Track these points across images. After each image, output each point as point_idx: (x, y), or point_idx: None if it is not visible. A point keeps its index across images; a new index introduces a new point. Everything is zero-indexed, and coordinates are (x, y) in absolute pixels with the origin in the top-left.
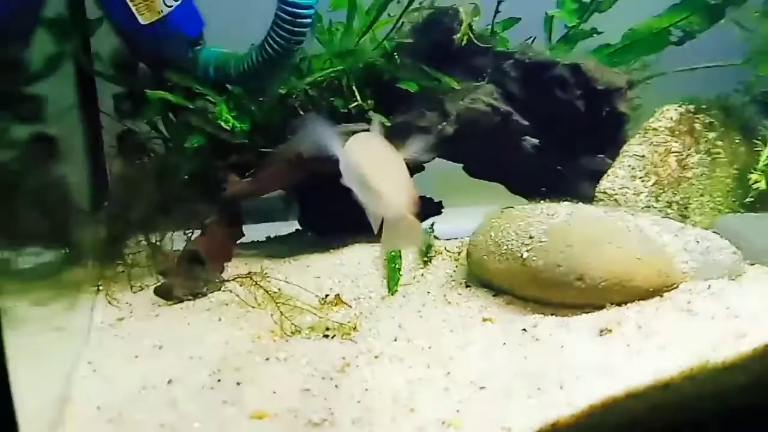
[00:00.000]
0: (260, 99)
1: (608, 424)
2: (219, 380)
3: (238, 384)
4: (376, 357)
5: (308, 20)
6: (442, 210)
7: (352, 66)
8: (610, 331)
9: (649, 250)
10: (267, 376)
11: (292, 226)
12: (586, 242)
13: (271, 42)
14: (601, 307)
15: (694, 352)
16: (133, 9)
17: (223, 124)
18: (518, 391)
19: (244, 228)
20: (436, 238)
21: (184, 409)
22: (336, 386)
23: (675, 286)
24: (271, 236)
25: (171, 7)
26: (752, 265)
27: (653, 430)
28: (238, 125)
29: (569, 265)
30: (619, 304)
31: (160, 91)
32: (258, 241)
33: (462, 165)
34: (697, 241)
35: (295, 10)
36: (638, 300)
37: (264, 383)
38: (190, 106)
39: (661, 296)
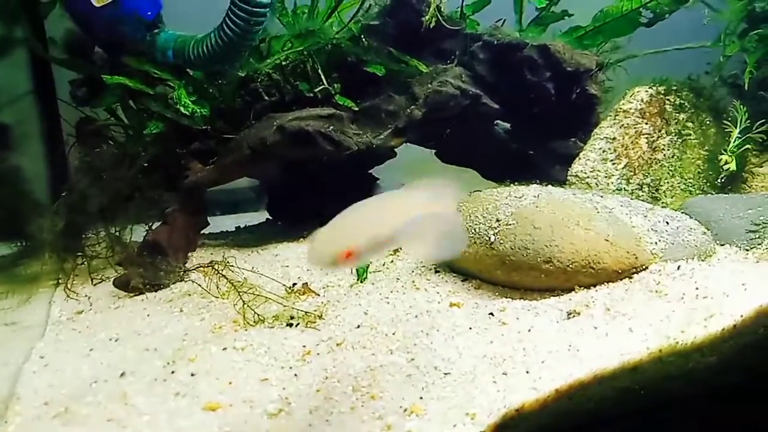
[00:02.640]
0: (220, 82)
1: (575, 408)
2: (173, 372)
3: (193, 375)
4: (338, 344)
5: (267, 1)
6: None
7: (313, 46)
8: (578, 313)
9: (617, 232)
10: (224, 366)
11: (263, 216)
12: (553, 224)
13: (230, 24)
14: (569, 290)
15: (664, 333)
16: None
17: (182, 109)
18: (483, 376)
19: (213, 219)
20: None
21: (134, 403)
22: (295, 375)
23: (644, 267)
24: (241, 226)
25: None
26: (722, 245)
27: (622, 414)
28: (198, 110)
29: (537, 248)
30: (587, 287)
31: (118, 76)
32: (226, 231)
33: (434, 151)
34: (667, 222)
35: None
36: (607, 282)
37: (220, 374)
38: (149, 92)
39: (631, 278)
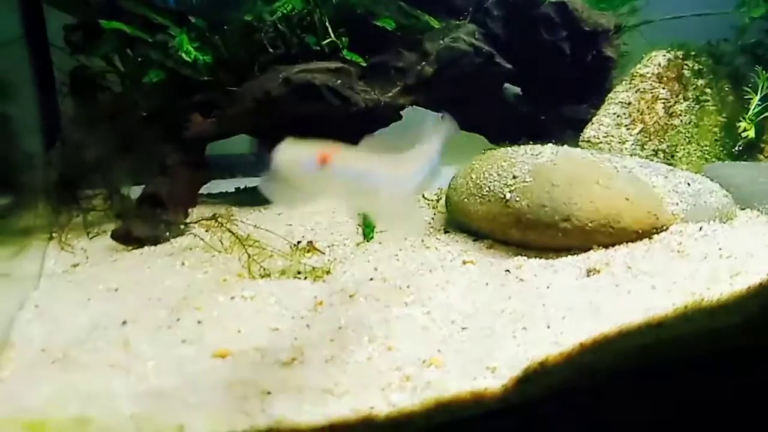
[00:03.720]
0: (224, 28)
1: (598, 364)
2: (178, 319)
3: (199, 323)
4: (351, 296)
5: None
6: None
7: None
8: (599, 271)
9: (637, 191)
10: (231, 315)
11: None
12: (572, 182)
13: None
14: (586, 250)
15: (688, 290)
16: None
17: (184, 56)
18: (502, 330)
19: (213, 183)
20: None
21: (138, 350)
22: (307, 326)
23: (665, 228)
24: (241, 188)
25: None
26: (743, 210)
27: (645, 370)
28: (201, 57)
29: (555, 206)
30: (606, 247)
31: (115, 21)
32: (226, 192)
33: (441, 114)
34: (688, 184)
35: None
36: (626, 242)
37: (228, 322)
38: (149, 39)
39: (651, 238)
